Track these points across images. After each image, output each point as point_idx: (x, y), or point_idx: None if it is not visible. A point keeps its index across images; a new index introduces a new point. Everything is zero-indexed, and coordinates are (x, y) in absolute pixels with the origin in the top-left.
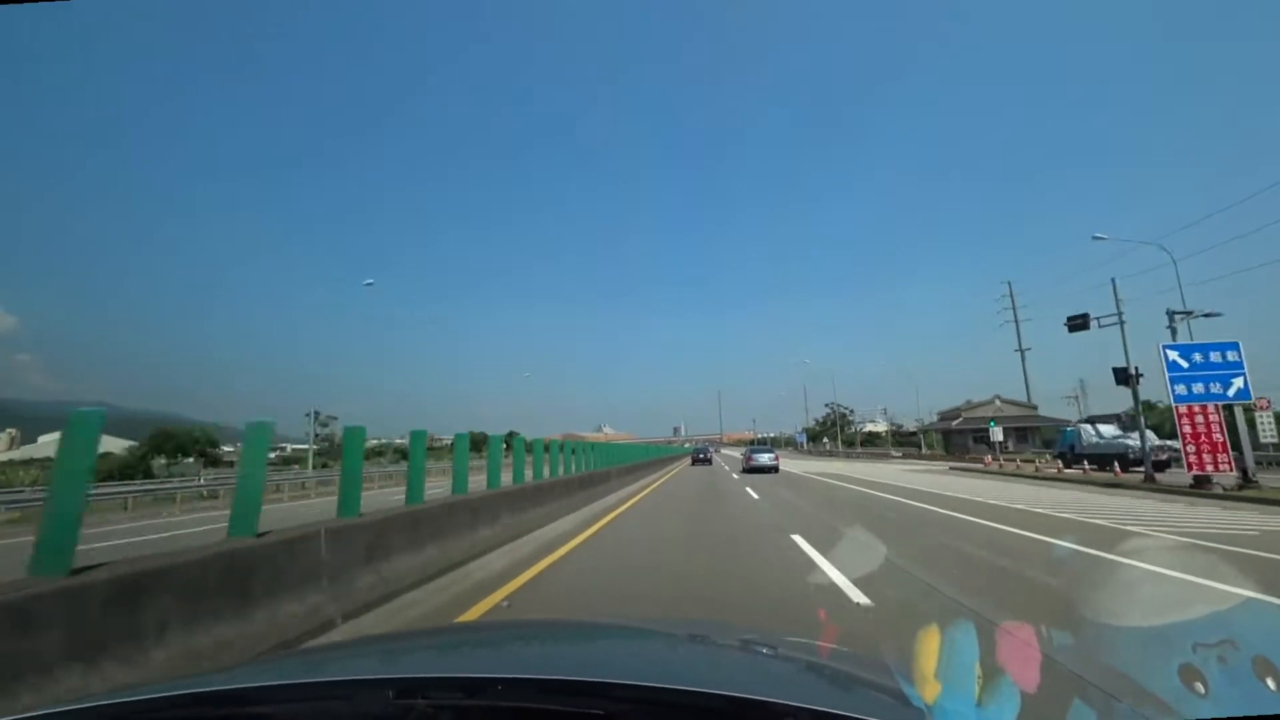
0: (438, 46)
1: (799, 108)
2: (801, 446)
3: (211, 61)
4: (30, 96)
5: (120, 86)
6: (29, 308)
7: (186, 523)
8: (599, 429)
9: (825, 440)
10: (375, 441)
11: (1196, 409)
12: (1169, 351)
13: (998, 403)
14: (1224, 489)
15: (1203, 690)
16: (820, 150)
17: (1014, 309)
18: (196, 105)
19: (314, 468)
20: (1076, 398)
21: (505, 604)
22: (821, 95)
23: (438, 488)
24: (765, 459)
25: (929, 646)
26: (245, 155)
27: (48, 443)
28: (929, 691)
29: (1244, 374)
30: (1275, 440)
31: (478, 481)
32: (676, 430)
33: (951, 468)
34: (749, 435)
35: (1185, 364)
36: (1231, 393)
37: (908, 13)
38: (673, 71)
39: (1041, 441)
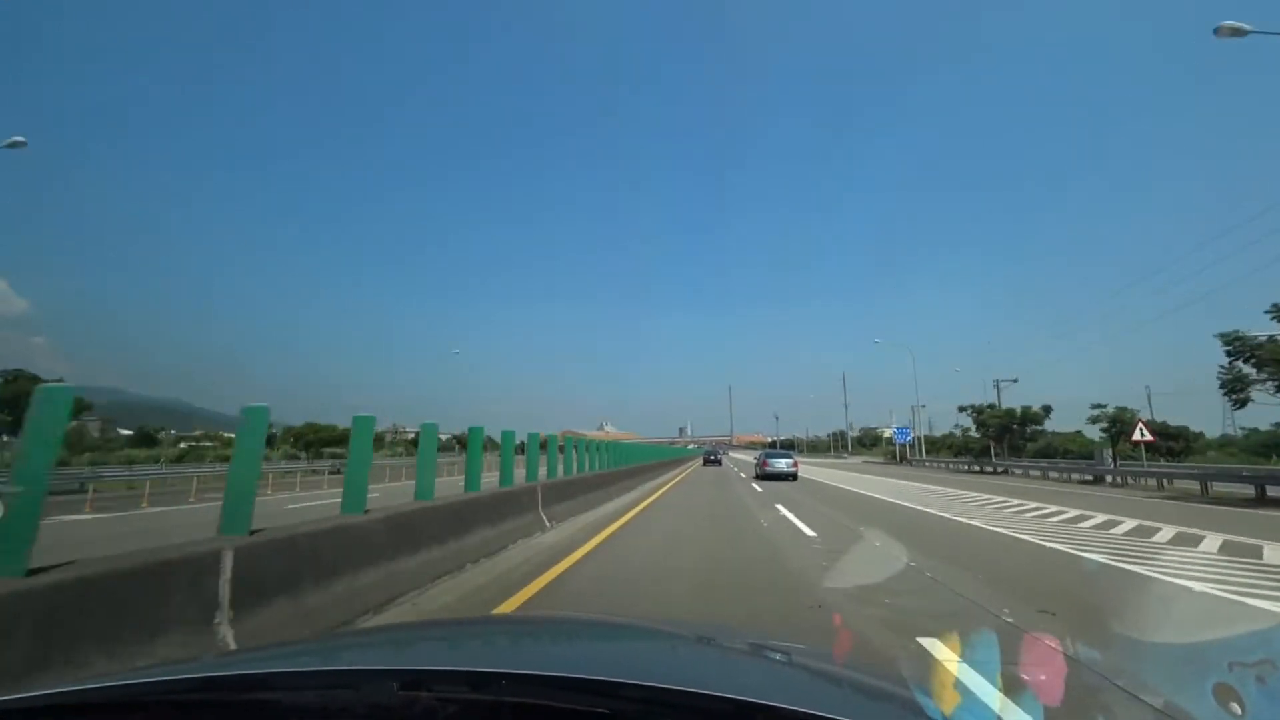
0: (447, 48)
1: (813, 110)
2: (906, 453)
3: (224, 53)
4: (42, 84)
5: (134, 73)
6: (43, 292)
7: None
8: (600, 427)
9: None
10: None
11: None
12: None
13: None
14: None
15: (1239, 710)
16: (837, 150)
17: None
18: (208, 95)
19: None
20: None
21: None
22: (836, 97)
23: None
24: (782, 464)
25: (947, 655)
26: (256, 147)
27: None
28: (946, 702)
29: None
30: None
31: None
32: (682, 430)
33: None
34: (760, 438)
35: None
36: None
37: (920, 18)
38: (688, 73)
39: None
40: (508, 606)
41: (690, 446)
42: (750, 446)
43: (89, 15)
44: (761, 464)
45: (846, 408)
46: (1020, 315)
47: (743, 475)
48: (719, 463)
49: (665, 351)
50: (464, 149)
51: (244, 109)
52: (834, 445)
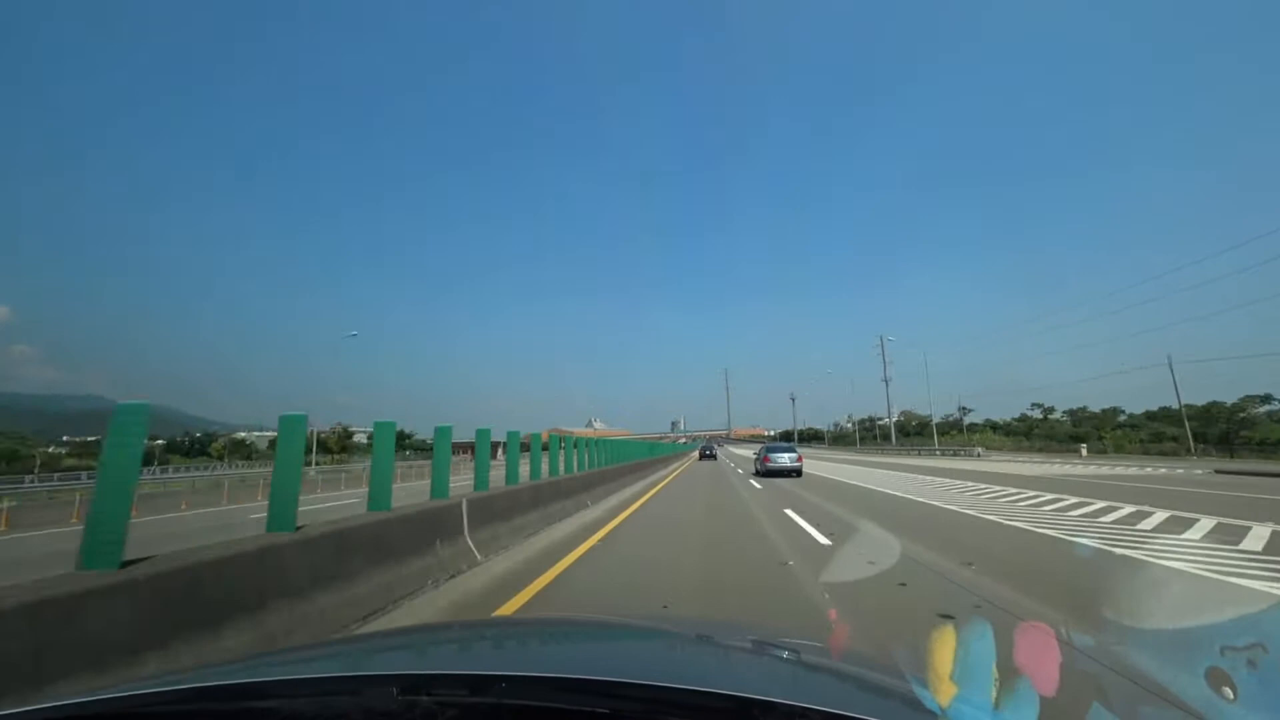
0: (449, 47)
1: (804, 112)
2: None
3: (213, 54)
4: (31, 84)
5: (126, 76)
6: (26, 299)
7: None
8: (589, 423)
9: None
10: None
11: None
12: None
13: None
14: None
15: (1231, 695)
16: (829, 149)
17: None
18: (201, 98)
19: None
20: None
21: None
22: (829, 98)
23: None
24: (785, 459)
25: (944, 646)
26: (248, 150)
27: None
28: (943, 694)
29: None
30: None
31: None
32: (675, 425)
33: None
34: (760, 431)
35: None
36: None
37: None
38: (680, 71)
39: None
40: (507, 609)
41: (681, 442)
42: (752, 440)
43: (80, 8)
44: (762, 459)
45: (888, 382)
46: (1012, 304)
47: (758, 488)
48: (714, 456)
49: (660, 347)
50: (449, 149)
51: (239, 112)
52: (867, 436)
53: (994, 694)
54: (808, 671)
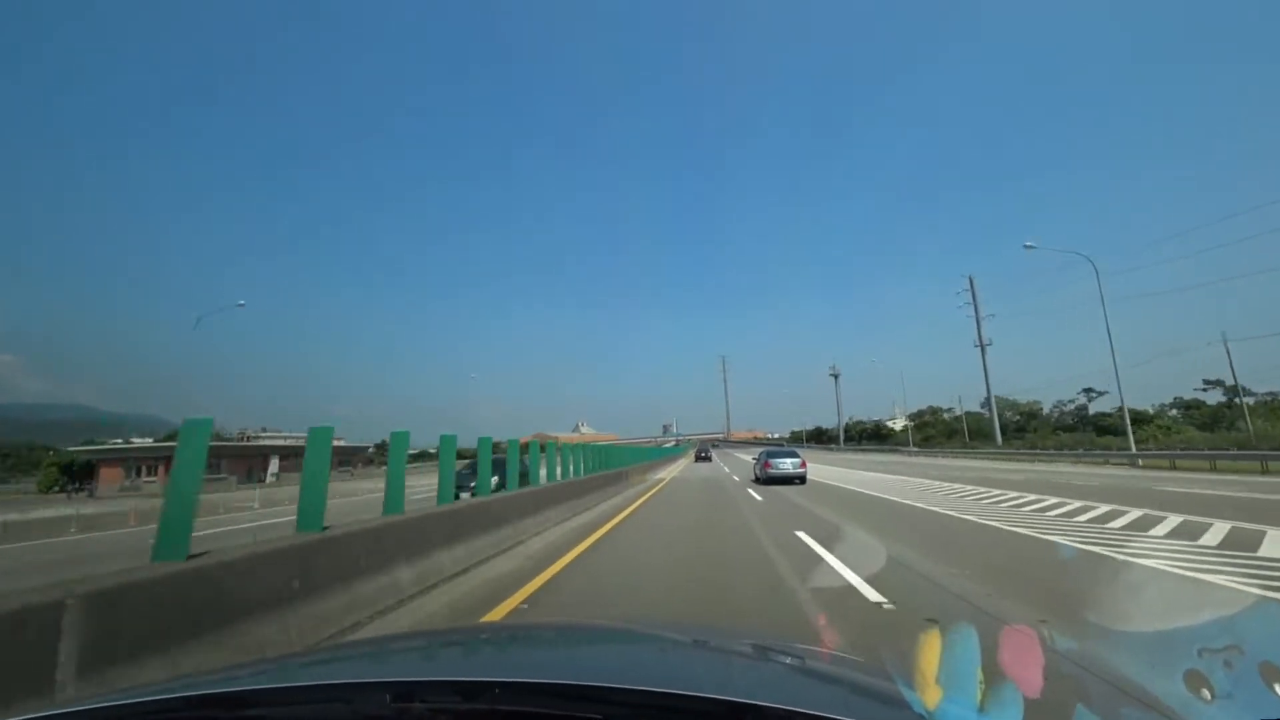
0: (447, 51)
1: (795, 117)
2: None
3: (206, 61)
4: (18, 92)
5: (111, 84)
6: (8, 307)
7: None
8: (576, 428)
9: None
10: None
11: None
12: None
13: None
14: None
15: (1209, 696)
16: (822, 153)
17: None
18: (191, 104)
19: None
20: None
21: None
22: (822, 104)
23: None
24: (788, 465)
25: (930, 650)
26: (241, 156)
27: None
28: (930, 696)
29: None
30: None
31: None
32: (666, 428)
33: None
34: (762, 434)
35: None
36: None
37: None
38: (668, 78)
39: None
40: (497, 614)
41: (668, 445)
42: (754, 443)
43: (71, 13)
44: (762, 465)
45: (984, 348)
46: (1000, 302)
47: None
48: (709, 459)
49: (653, 348)
50: (439, 156)
51: (231, 118)
52: (933, 433)
53: (979, 695)
54: (797, 675)
